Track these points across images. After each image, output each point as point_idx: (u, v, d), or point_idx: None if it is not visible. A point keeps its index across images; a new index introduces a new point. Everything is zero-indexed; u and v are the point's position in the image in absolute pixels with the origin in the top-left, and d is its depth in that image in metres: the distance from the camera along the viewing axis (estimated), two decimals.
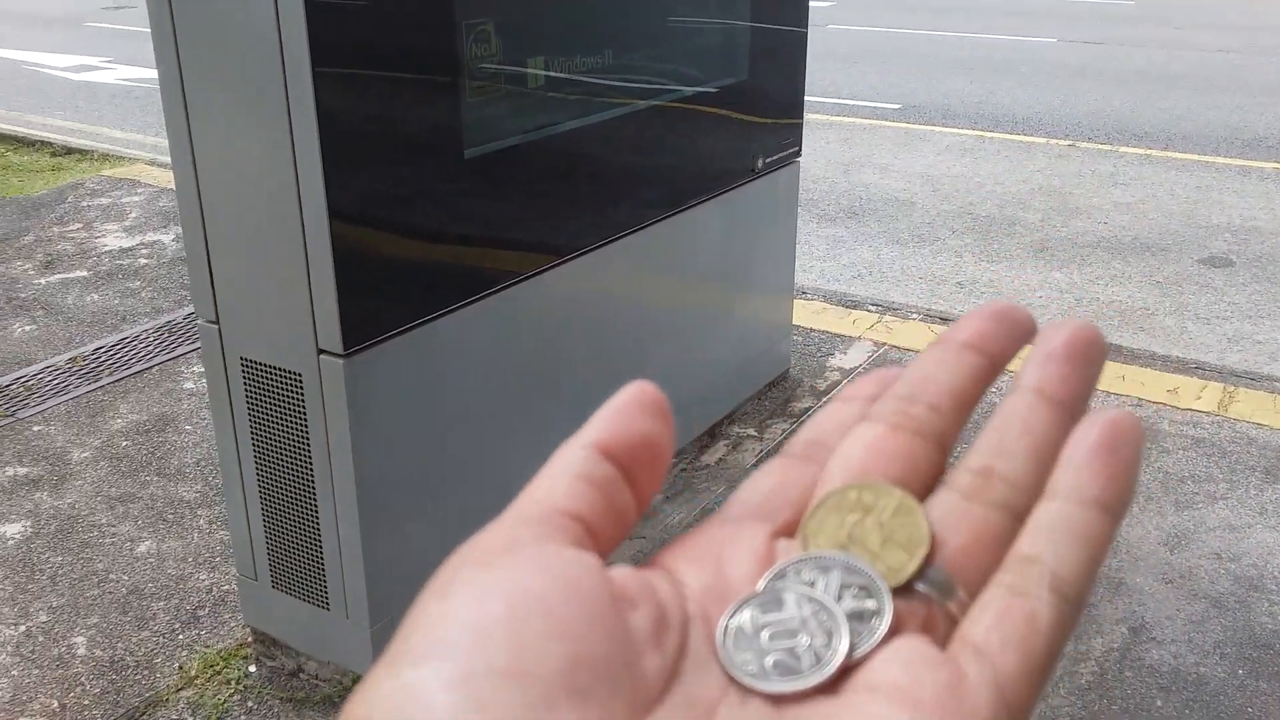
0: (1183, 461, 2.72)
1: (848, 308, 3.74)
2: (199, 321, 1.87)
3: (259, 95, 1.62)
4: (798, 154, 2.98)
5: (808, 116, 6.70)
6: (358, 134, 1.68)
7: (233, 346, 1.82)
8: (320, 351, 1.72)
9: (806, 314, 3.62)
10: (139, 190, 5.02)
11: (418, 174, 1.82)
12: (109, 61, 8.97)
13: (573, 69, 2.17)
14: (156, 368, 3.17)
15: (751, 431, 2.85)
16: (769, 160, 2.83)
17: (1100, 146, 6.42)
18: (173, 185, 5.09)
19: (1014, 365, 0.31)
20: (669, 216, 2.50)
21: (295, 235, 1.68)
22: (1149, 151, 6.28)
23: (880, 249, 4.71)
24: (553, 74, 2.12)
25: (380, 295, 1.78)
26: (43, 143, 5.85)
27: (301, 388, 1.76)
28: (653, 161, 2.45)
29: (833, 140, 6.59)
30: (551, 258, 2.15)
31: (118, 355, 3.23)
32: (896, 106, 7.51)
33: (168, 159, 5.87)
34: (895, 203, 5.35)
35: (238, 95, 1.66)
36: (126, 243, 4.33)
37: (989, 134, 6.78)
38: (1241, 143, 6.46)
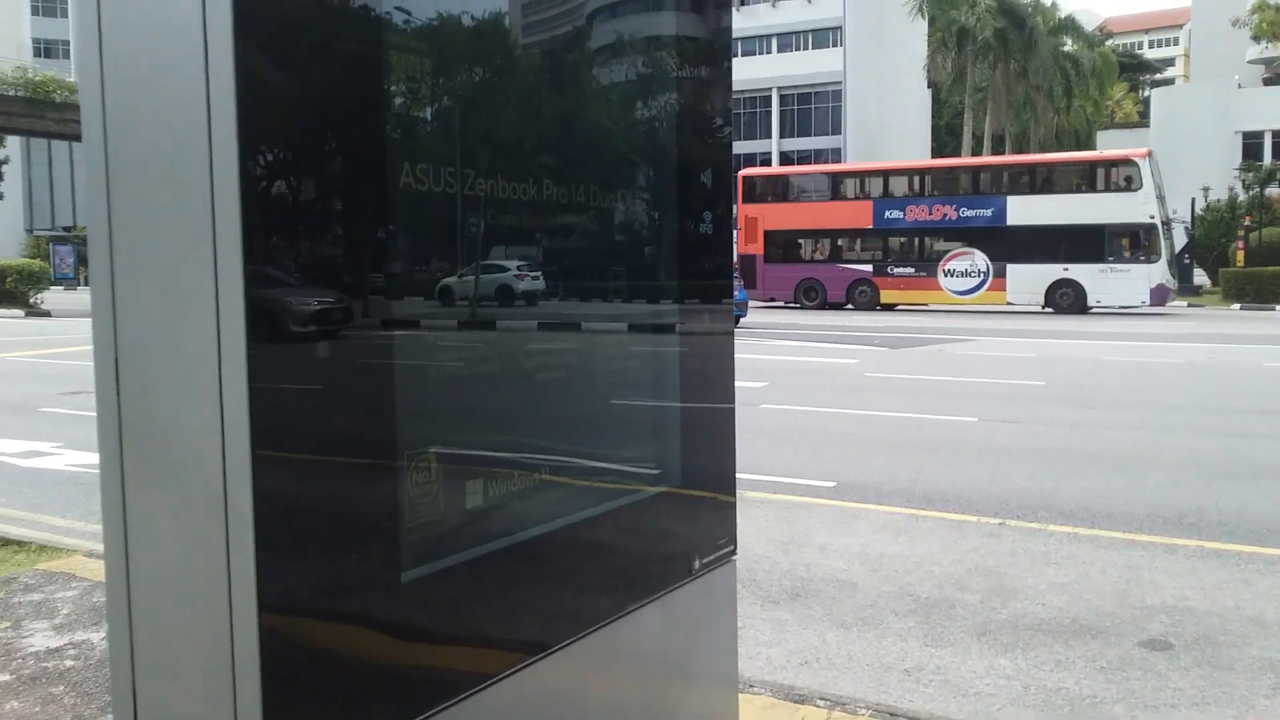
0: None
1: (795, 702, 3.68)
2: None
3: (203, 503, 1.66)
4: (733, 553, 3.05)
5: (747, 494, 6.91)
6: (294, 560, 1.71)
7: None
8: None
9: (753, 710, 3.55)
10: (73, 585, 4.93)
11: (353, 598, 1.84)
12: (59, 447, 9.08)
13: (511, 488, 2.26)
14: None
15: None
16: (705, 561, 2.89)
17: (1029, 525, 6.62)
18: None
19: None
20: (608, 624, 2.51)
21: (225, 656, 1.66)
22: (1076, 529, 6.49)
23: (825, 632, 4.70)
24: (492, 493, 2.21)
25: None
26: None
27: None
28: (591, 569, 2.50)
29: (771, 518, 6.75)
30: (490, 675, 2.13)
31: None
32: (831, 484, 7.76)
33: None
34: (837, 583, 5.40)
35: (178, 497, 1.69)
36: (55, 642, 4.20)
37: (922, 512, 6.99)
38: (1164, 520, 6.71)
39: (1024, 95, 52.10)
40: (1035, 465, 8.52)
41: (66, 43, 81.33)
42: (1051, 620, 4.85)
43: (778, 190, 37.11)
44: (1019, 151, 52.98)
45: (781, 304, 35.92)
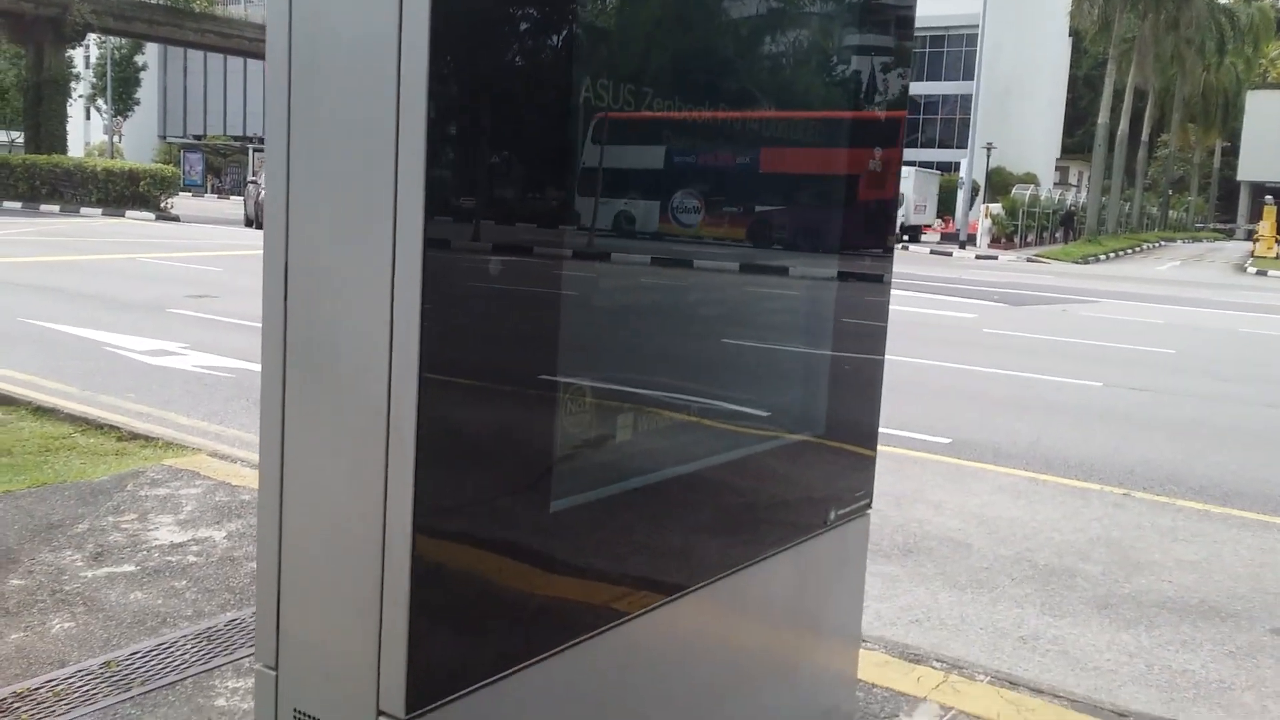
0: None
1: (911, 662, 3.58)
2: (256, 666, 1.79)
3: (365, 420, 1.63)
4: (869, 506, 2.94)
5: None
6: (449, 484, 1.67)
7: (287, 697, 1.73)
8: (380, 713, 1.63)
9: (868, 666, 3.45)
10: (197, 483, 5.07)
11: (503, 524, 1.80)
12: (185, 347, 9.36)
13: (659, 425, 2.19)
14: (190, 680, 3.06)
15: None
16: (841, 513, 2.79)
17: (1156, 498, 6.35)
18: (230, 480, 5.07)
19: None
20: (742, 569, 2.44)
21: (374, 574, 1.63)
22: (1207, 507, 6.19)
23: (938, 592, 4.57)
24: (640, 428, 2.14)
25: (449, 650, 1.71)
26: (110, 426, 5.99)
27: None
28: (731, 513, 2.42)
29: (883, 471, 6.50)
30: (628, 611, 2.08)
31: (153, 663, 3.13)
32: (947, 441, 7.55)
33: (229, 449, 5.92)
34: (950, 543, 5.25)
35: (339, 413, 1.66)
36: (178, 537, 4.32)
37: (1041, 476, 6.75)
38: None
39: (1173, 49, 49.37)
40: (1163, 436, 8.16)
41: None
42: (1178, 599, 4.64)
43: None
44: (1161, 107, 50.25)
45: None
